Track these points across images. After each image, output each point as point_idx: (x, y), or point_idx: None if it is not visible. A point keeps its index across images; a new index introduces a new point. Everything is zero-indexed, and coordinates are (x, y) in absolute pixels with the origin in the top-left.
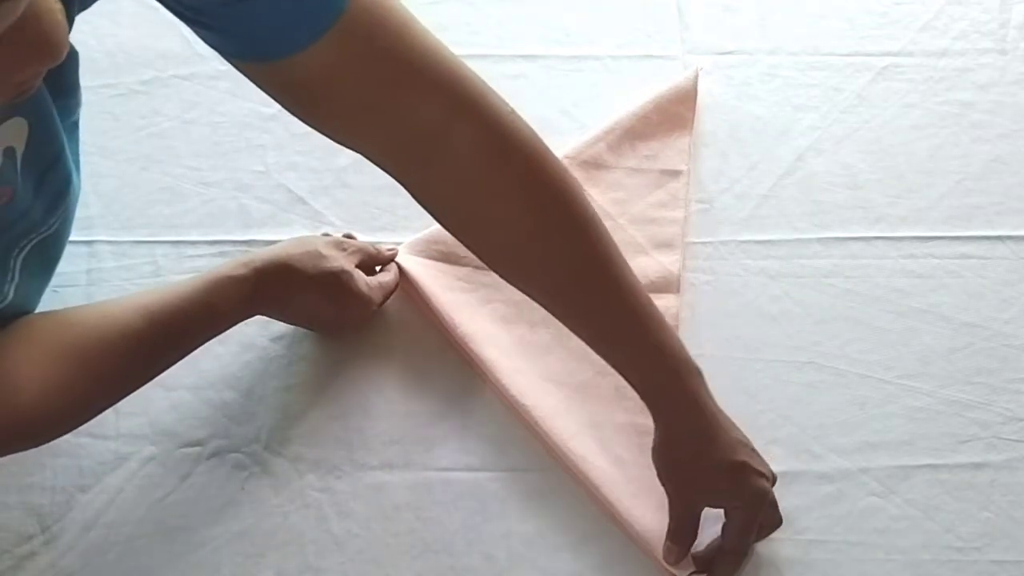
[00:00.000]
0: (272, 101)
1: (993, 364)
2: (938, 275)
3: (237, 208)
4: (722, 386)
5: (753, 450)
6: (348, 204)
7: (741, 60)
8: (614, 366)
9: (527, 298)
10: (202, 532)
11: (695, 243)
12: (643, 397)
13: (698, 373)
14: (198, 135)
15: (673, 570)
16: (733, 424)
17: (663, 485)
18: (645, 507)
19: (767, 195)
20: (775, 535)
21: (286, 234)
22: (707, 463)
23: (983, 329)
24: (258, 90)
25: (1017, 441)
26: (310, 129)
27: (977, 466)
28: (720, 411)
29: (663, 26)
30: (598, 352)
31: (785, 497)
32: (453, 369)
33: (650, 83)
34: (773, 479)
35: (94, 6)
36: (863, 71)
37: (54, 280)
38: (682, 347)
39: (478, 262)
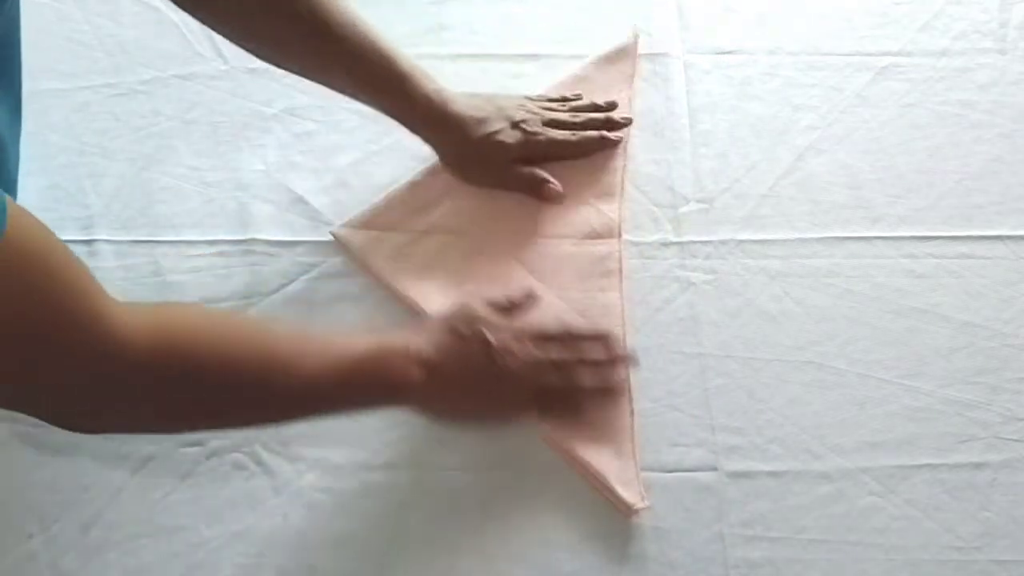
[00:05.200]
0: (273, 101)
1: (993, 364)
2: (938, 275)
3: (237, 208)
4: (722, 386)
5: (505, 97)
6: (348, 204)
7: (741, 60)
8: (380, 109)
9: (465, 268)
10: (202, 532)
11: (695, 242)
12: (415, 130)
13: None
14: (198, 135)
15: (630, 500)
16: (472, 99)
17: (488, 181)
18: (601, 449)
19: (767, 195)
20: (775, 534)
21: (286, 234)
22: (493, 136)
23: (983, 329)
24: (259, 90)
25: (1017, 441)
26: (311, 129)
27: (977, 466)
28: (464, 97)
29: (663, 26)
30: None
31: (785, 497)
32: None
33: (650, 82)
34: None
35: (94, 5)
36: (863, 71)
37: None
38: (423, 77)
39: (420, 228)
